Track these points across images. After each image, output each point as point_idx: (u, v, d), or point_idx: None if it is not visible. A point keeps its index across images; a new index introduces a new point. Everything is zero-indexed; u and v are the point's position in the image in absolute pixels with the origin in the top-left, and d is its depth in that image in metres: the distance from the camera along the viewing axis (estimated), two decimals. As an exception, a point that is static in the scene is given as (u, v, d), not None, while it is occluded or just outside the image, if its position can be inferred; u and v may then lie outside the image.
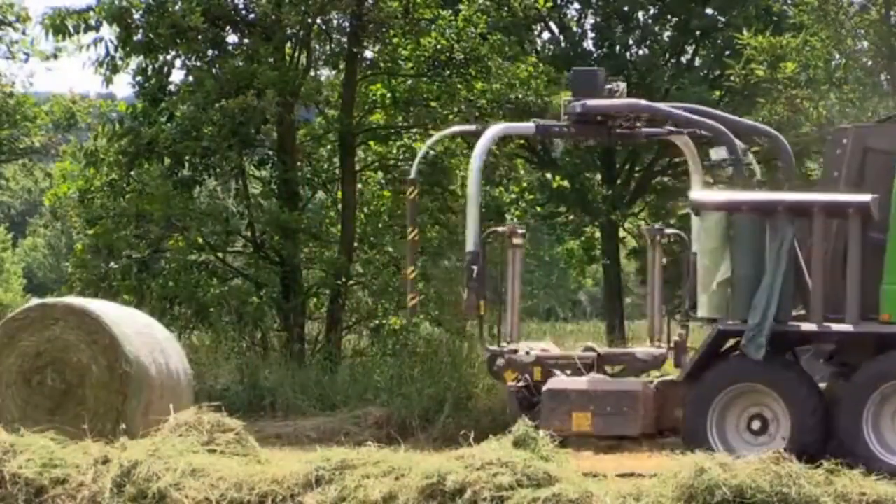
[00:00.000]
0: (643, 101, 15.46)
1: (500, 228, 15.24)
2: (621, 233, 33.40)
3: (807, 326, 13.29)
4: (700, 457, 10.19)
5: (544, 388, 13.79)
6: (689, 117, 14.85)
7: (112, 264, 21.46)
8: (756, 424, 13.23)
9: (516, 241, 15.01)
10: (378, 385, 18.94)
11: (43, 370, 13.65)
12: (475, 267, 14.00)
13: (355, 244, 22.51)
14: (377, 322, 22.27)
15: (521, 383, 14.07)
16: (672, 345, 14.79)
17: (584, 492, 9.85)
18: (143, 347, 13.92)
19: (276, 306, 21.95)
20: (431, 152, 23.12)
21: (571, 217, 32.29)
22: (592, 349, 14.71)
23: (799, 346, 13.66)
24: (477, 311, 14.32)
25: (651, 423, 13.67)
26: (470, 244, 14.14)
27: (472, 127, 16.12)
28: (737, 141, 14.36)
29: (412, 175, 15.18)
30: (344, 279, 21.86)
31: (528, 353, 14.36)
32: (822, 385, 13.45)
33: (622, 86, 14.71)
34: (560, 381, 13.90)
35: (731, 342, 13.55)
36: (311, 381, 19.27)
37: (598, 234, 32.98)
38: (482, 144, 14.32)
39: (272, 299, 21.88)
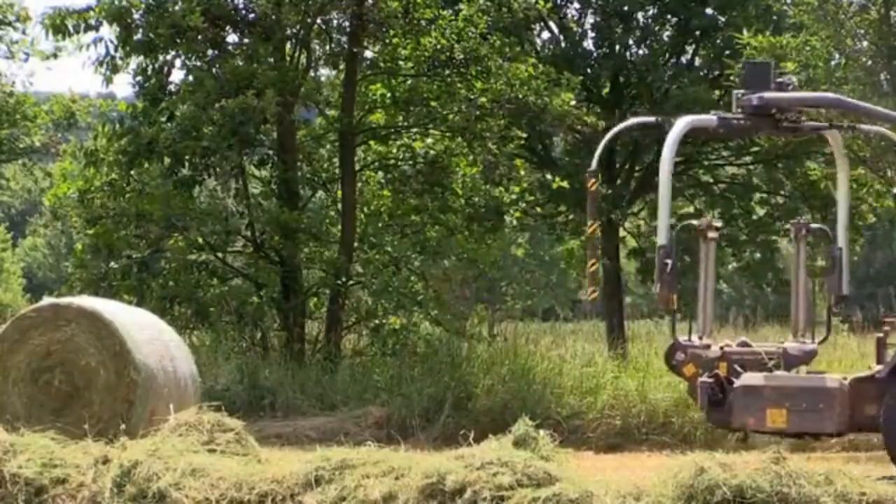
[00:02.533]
0: (831, 95, 15.66)
1: (694, 222, 15.17)
2: (621, 232, 33.41)
3: None
4: (700, 456, 10.18)
5: (737, 383, 13.63)
6: (885, 112, 14.85)
7: (112, 264, 21.46)
8: None
9: (711, 234, 14.92)
10: (378, 385, 18.92)
11: (51, 370, 13.61)
12: (669, 261, 13.86)
13: (355, 244, 22.51)
14: (377, 322, 22.26)
15: (708, 378, 13.80)
16: (821, 340, 14.76)
17: (584, 492, 9.83)
18: (153, 355, 13.88)
19: (276, 306, 21.94)
20: (432, 151, 23.17)
21: (571, 217, 32.27)
22: (747, 344, 14.57)
23: None
24: (670, 304, 14.20)
25: (846, 420, 13.51)
26: (662, 238, 13.97)
27: (652, 119, 16.07)
28: None
29: (592, 167, 15.14)
30: (344, 279, 21.85)
31: (722, 348, 14.18)
32: None
33: (793, 79, 14.78)
34: (754, 377, 13.69)
35: None
36: (311, 381, 19.26)
37: (597, 234, 32.95)
38: (673, 137, 14.15)
39: (272, 299, 21.87)
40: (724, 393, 13.68)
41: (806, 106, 14.63)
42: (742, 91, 14.50)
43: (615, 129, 15.51)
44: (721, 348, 14.14)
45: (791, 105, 14.44)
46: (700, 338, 14.38)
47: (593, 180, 14.92)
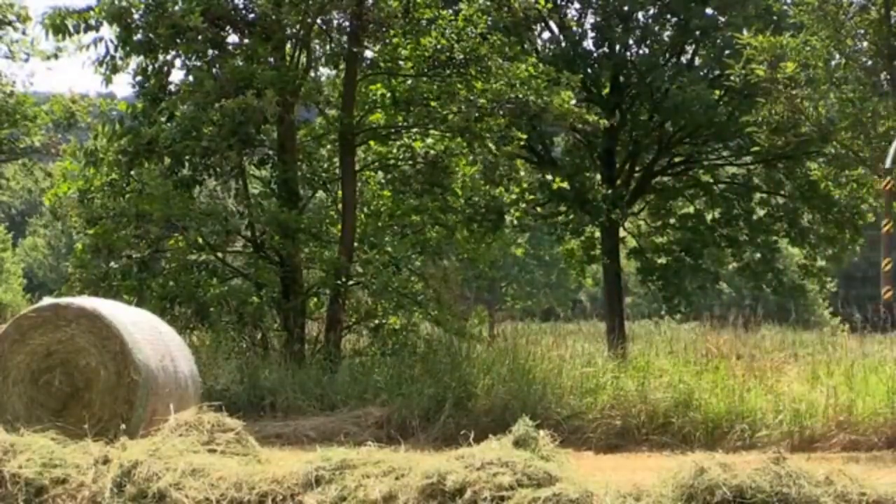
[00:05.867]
0: None
1: None
2: (621, 232, 33.43)
3: None
4: (700, 457, 10.17)
5: None
6: None
7: (112, 264, 21.46)
8: None
9: None
10: (378, 385, 18.92)
11: (51, 371, 13.58)
12: None
13: (355, 244, 22.50)
14: (377, 322, 22.26)
15: None
16: None
17: (584, 492, 9.82)
18: (154, 355, 13.86)
19: (276, 306, 21.94)
20: (431, 151, 23.16)
21: (571, 217, 32.30)
22: None
23: None
24: None
25: None
26: None
27: None
28: None
29: (887, 165, 15.07)
30: (344, 279, 21.85)
31: None
32: None
33: None
34: None
35: None
36: (311, 381, 19.25)
37: (597, 234, 33.00)
38: None
39: (272, 299, 21.87)
40: None
41: None
42: None
43: None
44: None
45: None
46: None
47: (889, 178, 14.86)
